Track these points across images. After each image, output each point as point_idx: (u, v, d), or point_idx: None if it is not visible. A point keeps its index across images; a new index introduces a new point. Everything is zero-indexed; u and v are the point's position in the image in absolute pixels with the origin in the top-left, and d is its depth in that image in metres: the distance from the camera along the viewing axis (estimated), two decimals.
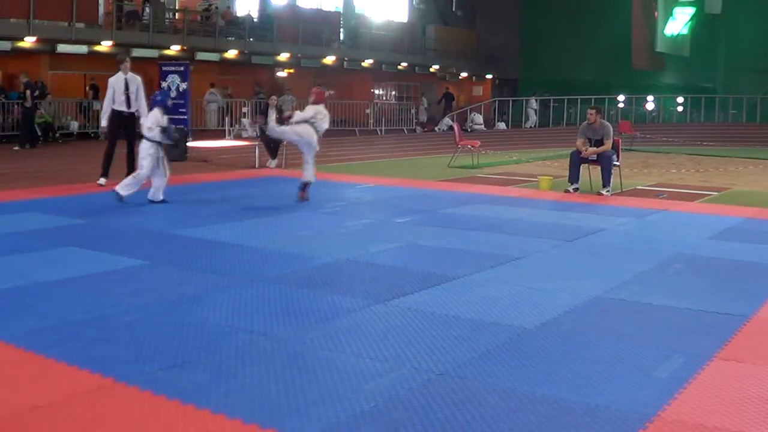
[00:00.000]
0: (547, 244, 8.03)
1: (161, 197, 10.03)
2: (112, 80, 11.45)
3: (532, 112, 31.53)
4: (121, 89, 11.41)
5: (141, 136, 10.22)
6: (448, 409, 3.71)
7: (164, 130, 10.02)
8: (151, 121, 10.01)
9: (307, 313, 5.28)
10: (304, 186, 10.61)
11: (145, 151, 9.96)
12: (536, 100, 31.75)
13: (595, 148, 12.60)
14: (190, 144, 17.43)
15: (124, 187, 9.86)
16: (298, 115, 10.55)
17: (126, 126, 11.63)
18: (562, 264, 7.12)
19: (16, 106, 19.52)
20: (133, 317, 5.07)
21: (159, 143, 10.03)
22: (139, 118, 11.31)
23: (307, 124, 10.39)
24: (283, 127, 10.77)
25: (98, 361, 4.21)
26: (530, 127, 31.11)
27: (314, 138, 10.45)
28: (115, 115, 11.47)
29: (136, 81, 11.56)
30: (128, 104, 11.46)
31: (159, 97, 10.40)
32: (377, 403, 3.76)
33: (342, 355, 4.43)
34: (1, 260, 6.61)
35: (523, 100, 32.21)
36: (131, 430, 3.44)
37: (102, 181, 11.37)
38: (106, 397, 3.77)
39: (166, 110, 10.26)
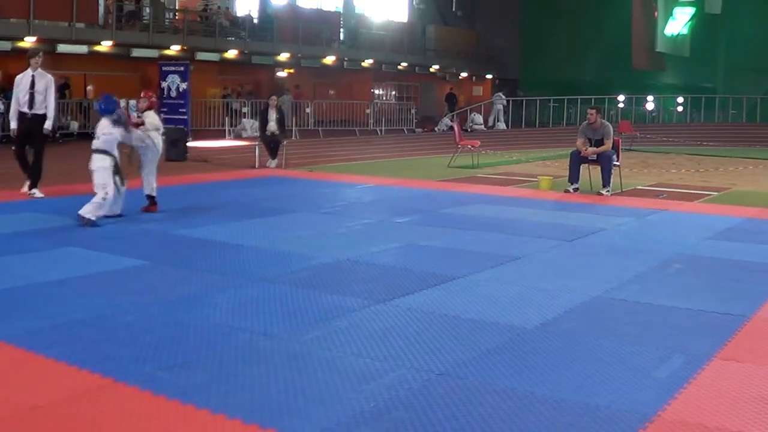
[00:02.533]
0: (547, 244, 8.03)
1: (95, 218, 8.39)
2: (18, 77, 10.19)
3: (499, 113, 31.25)
4: (26, 87, 10.07)
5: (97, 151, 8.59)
6: (448, 409, 3.71)
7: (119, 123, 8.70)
8: (119, 134, 8.68)
9: (307, 313, 5.28)
10: (152, 199, 9.47)
11: (108, 170, 8.51)
12: (507, 100, 31.61)
13: (595, 148, 12.61)
14: (190, 144, 17.42)
15: (95, 211, 8.36)
16: (150, 124, 9.48)
17: (30, 130, 10.13)
18: (562, 264, 7.12)
19: None
20: (133, 317, 5.07)
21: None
22: (45, 120, 10.07)
23: (156, 131, 9.53)
24: (139, 134, 9.36)
25: (98, 361, 4.21)
26: (496, 127, 30.70)
27: (161, 146, 9.65)
28: (19, 116, 10.14)
29: (45, 79, 10.18)
30: (31, 104, 10.08)
31: (102, 105, 8.82)
32: (377, 403, 3.76)
33: (342, 355, 4.43)
34: (1, 260, 6.61)
35: (522, 100, 32.20)
36: (131, 430, 3.44)
37: (34, 191, 10.26)
38: (106, 397, 3.77)
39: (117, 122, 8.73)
